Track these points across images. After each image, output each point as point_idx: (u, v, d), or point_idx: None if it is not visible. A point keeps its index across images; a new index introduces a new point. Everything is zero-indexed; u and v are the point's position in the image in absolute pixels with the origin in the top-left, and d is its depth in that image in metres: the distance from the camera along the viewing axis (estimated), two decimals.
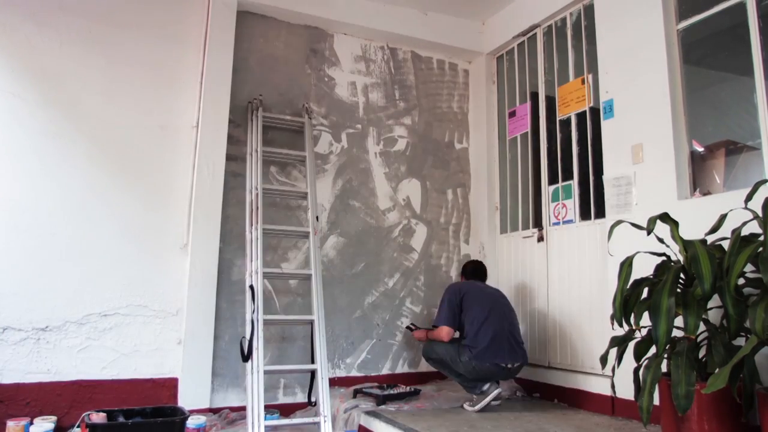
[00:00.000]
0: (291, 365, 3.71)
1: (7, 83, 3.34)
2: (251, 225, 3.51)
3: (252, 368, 3.08)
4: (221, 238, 3.67)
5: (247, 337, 3.16)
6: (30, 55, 3.41)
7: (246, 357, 3.12)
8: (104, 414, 2.70)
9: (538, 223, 4.16)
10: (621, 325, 2.48)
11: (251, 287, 3.30)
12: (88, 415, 2.67)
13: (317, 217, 3.79)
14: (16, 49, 3.39)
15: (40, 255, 3.25)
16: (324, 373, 3.24)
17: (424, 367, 4.23)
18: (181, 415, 2.76)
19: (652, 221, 2.48)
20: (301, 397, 3.78)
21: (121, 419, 2.72)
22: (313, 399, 3.48)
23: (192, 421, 2.96)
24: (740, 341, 2.22)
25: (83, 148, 3.45)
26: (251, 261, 3.41)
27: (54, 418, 3.04)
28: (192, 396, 3.40)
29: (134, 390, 3.34)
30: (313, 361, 3.38)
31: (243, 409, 3.53)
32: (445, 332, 3.50)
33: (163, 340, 3.49)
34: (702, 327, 2.26)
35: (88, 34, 3.57)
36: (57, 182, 3.33)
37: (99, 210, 3.43)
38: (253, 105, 3.90)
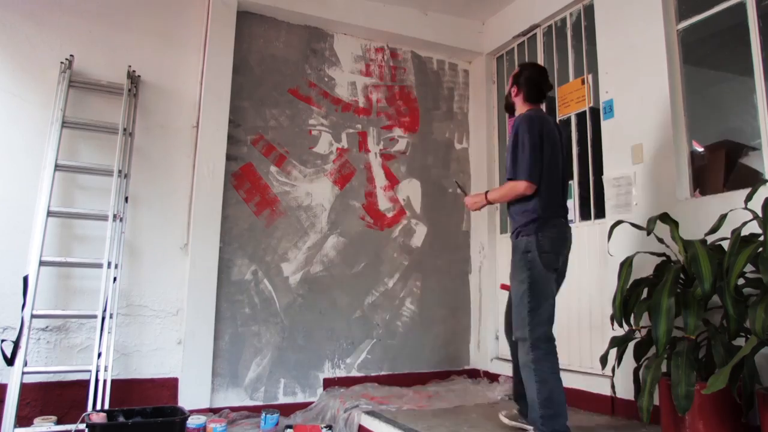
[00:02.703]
0: (60, 367, 3.19)
1: (8, 83, 3.34)
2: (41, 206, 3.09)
3: (13, 371, 2.85)
4: (221, 238, 3.67)
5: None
6: (30, 55, 3.41)
7: (10, 360, 2.82)
8: (104, 414, 2.70)
9: None
10: (621, 326, 2.49)
11: (24, 278, 2.92)
12: (88, 415, 2.67)
13: (126, 198, 3.37)
14: (16, 49, 3.39)
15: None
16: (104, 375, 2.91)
17: (425, 366, 4.23)
18: (181, 415, 2.76)
19: (651, 221, 2.49)
20: (301, 397, 3.79)
21: (121, 419, 2.71)
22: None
23: (192, 421, 2.96)
24: (740, 341, 2.22)
25: (84, 147, 3.45)
26: (31, 248, 3.04)
27: (54, 418, 3.04)
28: (192, 396, 3.41)
29: (134, 390, 3.35)
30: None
31: (243, 409, 3.53)
32: (523, 186, 2.54)
33: (163, 340, 3.50)
34: (702, 327, 2.27)
35: (88, 35, 3.58)
36: (57, 182, 3.32)
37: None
38: (63, 66, 3.38)
